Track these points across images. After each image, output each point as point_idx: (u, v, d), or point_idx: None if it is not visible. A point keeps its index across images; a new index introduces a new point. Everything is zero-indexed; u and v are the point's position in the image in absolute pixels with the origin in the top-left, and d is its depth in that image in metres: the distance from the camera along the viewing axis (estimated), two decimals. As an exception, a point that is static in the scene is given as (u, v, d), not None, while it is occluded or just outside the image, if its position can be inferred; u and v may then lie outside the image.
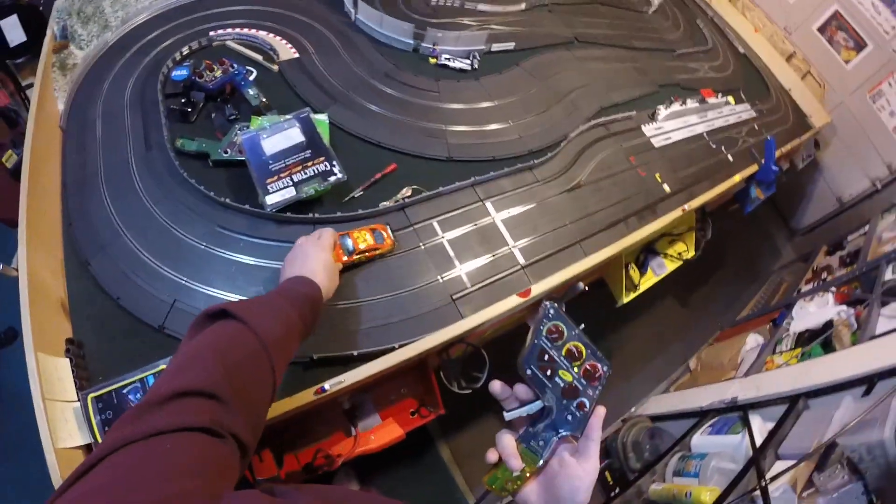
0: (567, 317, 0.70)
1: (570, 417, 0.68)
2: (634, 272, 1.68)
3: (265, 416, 0.69)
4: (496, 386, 0.72)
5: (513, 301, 1.25)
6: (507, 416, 0.70)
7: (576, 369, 0.69)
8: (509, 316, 1.33)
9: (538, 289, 1.28)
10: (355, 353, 1.14)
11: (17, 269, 1.19)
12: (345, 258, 1.21)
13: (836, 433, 1.38)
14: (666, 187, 1.68)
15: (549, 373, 0.69)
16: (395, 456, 2.11)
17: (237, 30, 1.71)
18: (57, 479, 0.89)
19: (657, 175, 1.70)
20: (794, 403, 1.67)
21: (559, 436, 0.68)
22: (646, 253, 1.74)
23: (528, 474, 0.68)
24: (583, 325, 0.70)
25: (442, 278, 1.30)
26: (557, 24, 2.08)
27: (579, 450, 0.69)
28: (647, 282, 1.72)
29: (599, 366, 0.69)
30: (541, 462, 0.68)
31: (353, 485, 2.04)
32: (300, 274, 0.96)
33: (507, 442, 0.68)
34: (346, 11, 1.83)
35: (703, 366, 2.60)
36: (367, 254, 1.24)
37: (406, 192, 1.39)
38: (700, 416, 1.97)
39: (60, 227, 1.33)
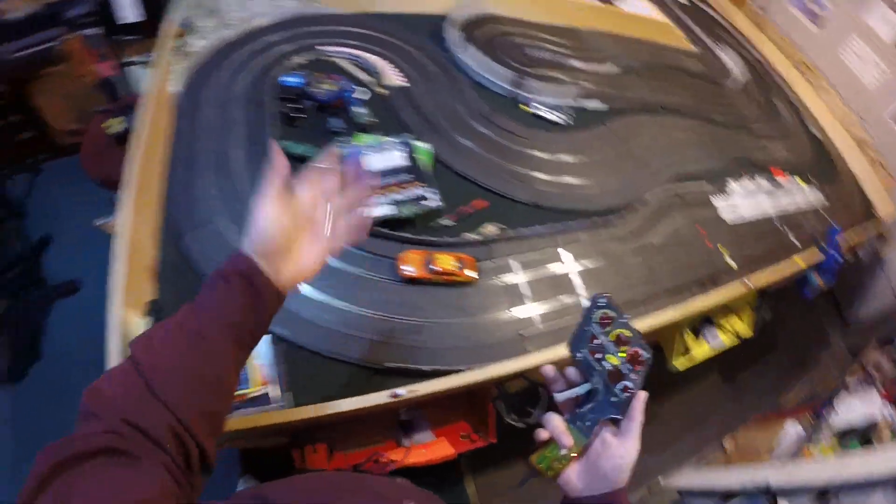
0: (617, 306, 0.74)
1: (614, 400, 0.70)
2: (690, 339, 1.72)
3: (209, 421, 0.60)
4: (548, 369, 0.75)
5: (560, 351, 1.30)
6: (558, 397, 0.73)
7: (622, 354, 0.71)
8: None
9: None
10: (427, 368, 1.20)
11: (112, 227, 1.30)
12: (425, 273, 1.30)
13: None
14: (730, 261, 1.72)
15: (597, 356, 0.72)
16: (420, 482, 2.15)
17: (348, 49, 1.82)
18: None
19: (723, 249, 1.75)
20: (824, 496, 1.68)
21: (604, 417, 0.70)
22: (703, 323, 1.78)
23: (573, 455, 0.70)
24: (628, 316, 0.74)
25: (512, 314, 1.35)
26: (644, 90, 2.16)
27: (621, 430, 0.71)
28: (701, 351, 1.75)
29: (643, 352, 0.72)
30: (586, 442, 0.70)
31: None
32: (240, 251, 0.70)
33: (558, 421, 0.71)
34: (451, 50, 1.93)
35: (737, 447, 2.59)
36: (445, 276, 1.31)
37: (492, 228, 1.46)
38: (728, 497, 1.98)
39: (160, 198, 1.43)
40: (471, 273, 1.34)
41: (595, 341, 0.72)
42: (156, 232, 1.35)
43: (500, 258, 1.43)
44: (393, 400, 1.11)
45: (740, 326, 1.81)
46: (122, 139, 1.92)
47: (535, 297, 1.40)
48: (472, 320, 1.32)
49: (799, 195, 2.16)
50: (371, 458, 1.25)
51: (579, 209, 1.61)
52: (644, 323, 1.44)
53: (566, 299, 1.42)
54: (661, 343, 1.78)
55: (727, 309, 1.81)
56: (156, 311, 1.17)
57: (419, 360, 1.22)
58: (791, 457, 2.08)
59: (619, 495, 0.70)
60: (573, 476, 0.72)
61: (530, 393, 1.39)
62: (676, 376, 2.75)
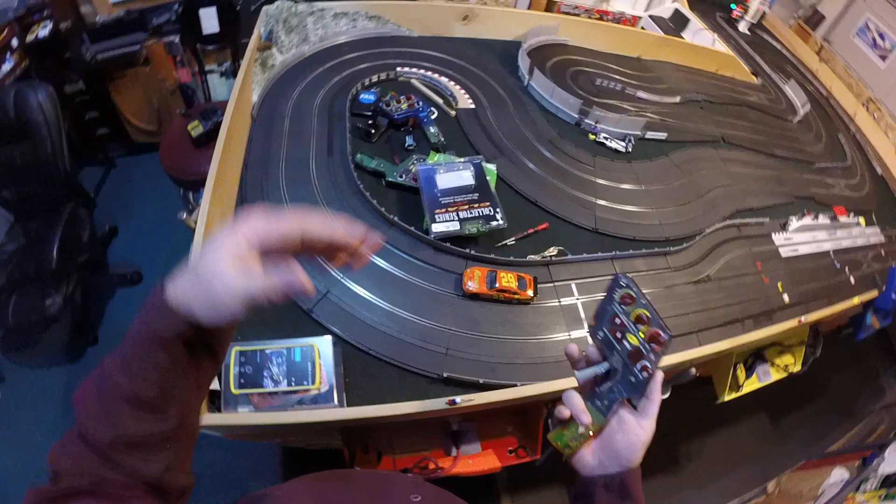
0: (637, 286, 0.73)
1: (633, 379, 0.70)
2: (741, 373, 1.72)
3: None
4: (572, 348, 0.76)
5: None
6: (579, 375, 0.73)
7: (642, 334, 0.70)
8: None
9: (675, 359, 1.36)
10: (481, 381, 1.25)
11: (195, 223, 1.35)
12: (487, 289, 1.36)
13: None
14: (786, 297, 1.72)
15: (618, 335, 0.72)
16: (458, 495, 2.19)
17: (423, 71, 1.90)
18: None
19: (779, 284, 1.75)
20: None
21: (623, 397, 0.71)
22: (754, 357, 1.78)
23: (591, 433, 0.71)
24: (651, 302, 0.72)
25: (570, 335, 1.39)
26: (707, 122, 2.17)
27: (639, 410, 0.71)
28: (751, 385, 1.75)
29: (662, 333, 0.70)
30: (604, 421, 0.71)
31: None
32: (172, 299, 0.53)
33: (577, 399, 0.71)
34: (521, 76, 2.00)
35: (780, 491, 2.54)
36: (506, 294, 1.37)
37: (552, 251, 1.50)
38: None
39: (235, 199, 1.52)
40: (530, 292, 1.38)
41: (616, 321, 0.72)
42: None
43: (562, 281, 1.47)
44: (449, 407, 1.15)
45: (790, 362, 1.80)
46: (201, 141, 2.06)
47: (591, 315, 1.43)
48: (530, 338, 1.36)
49: (860, 235, 2.14)
50: (418, 463, 1.30)
51: (640, 238, 1.65)
52: (697, 351, 1.45)
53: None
54: (712, 376, 1.79)
55: (779, 346, 1.81)
56: None
57: (476, 372, 1.27)
58: (835, 502, 2.04)
59: (631, 474, 0.71)
60: (587, 454, 0.73)
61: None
62: (724, 414, 2.73)
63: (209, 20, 2.62)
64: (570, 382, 1.29)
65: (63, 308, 2.05)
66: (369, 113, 1.72)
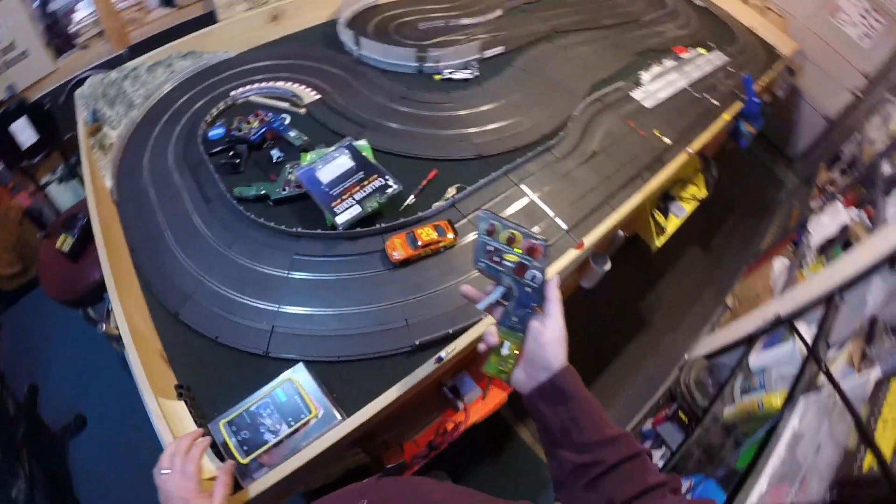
0: (498, 216, 0.79)
1: (529, 290, 0.77)
2: (660, 217, 1.86)
3: None
4: (465, 289, 0.82)
5: (571, 255, 1.42)
6: (480, 306, 0.79)
7: (517, 250, 0.77)
8: (570, 274, 1.49)
9: (589, 240, 1.45)
10: (451, 330, 1.29)
11: (117, 328, 1.29)
12: (412, 251, 1.39)
13: (875, 309, 1.56)
14: (666, 140, 1.87)
15: (497, 259, 0.78)
16: (478, 454, 2.26)
17: (257, 85, 1.87)
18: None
19: (655, 131, 1.89)
20: (829, 300, 1.85)
21: (527, 307, 0.77)
22: (665, 200, 1.92)
23: (515, 352, 0.77)
24: (517, 223, 0.79)
25: (502, 258, 1.45)
26: (534, 22, 2.28)
27: (545, 313, 0.77)
28: (673, 224, 1.89)
29: (534, 242, 0.77)
30: (522, 335, 0.77)
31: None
32: None
33: (488, 328, 0.78)
34: (350, 51, 2.00)
35: (740, 301, 2.76)
36: (431, 246, 1.41)
37: (452, 191, 1.55)
38: (750, 341, 2.14)
39: (139, 287, 1.45)
40: (450, 235, 1.43)
41: (488, 248, 0.78)
42: (148, 320, 1.38)
43: (470, 213, 1.53)
44: (438, 365, 1.19)
45: (696, 190, 1.96)
46: (76, 253, 1.95)
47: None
48: (470, 274, 1.41)
49: (705, 63, 2.33)
50: (438, 431, 1.33)
51: (521, 146, 1.72)
52: (614, 216, 1.56)
53: (542, 223, 1.54)
54: (638, 232, 1.92)
55: (680, 181, 1.97)
56: (185, 391, 1.20)
57: (441, 326, 1.30)
58: (789, 286, 2.26)
59: (561, 375, 0.74)
60: (519, 373, 0.77)
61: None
62: (665, 263, 2.93)
63: (24, 132, 2.44)
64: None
65: (31, 490, 1.96)
66: (225, 146, 1.68)
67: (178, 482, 0.93)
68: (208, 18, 2.34)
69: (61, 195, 2.74)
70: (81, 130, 1.81)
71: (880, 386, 1.38)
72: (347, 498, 0.71)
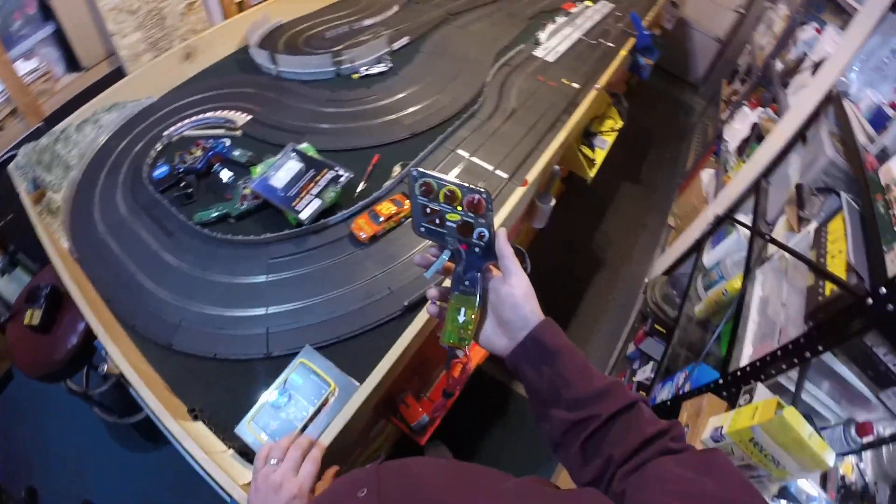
0: (431, 172, 0.72)
1: (478, 250, 0.72)
2: (587, 151, 2.05)
3: None
4: (416, 258, 0.79)
5: (519, 193, 1.57)
6: (427, 274, 0.75)
7: (459, 208, 0.71)
8: (522, 213, 1.64)
9: (531, 177, 1.61)
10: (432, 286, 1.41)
11: (116, 367, 1.32)
12: (377, 226, 1.50)
13: (798, 178, 1.78)
14: (575, 85, 2.07)
15: (438, 221, 0.72)
16: (478, 418, 2.37)
17: (188, 120, 1.93)
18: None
19: (564, 80, 2.09)
20: (757, 186, 2.08)
21: (478, 268, 0.73)
22: (588, 138, 2.12)
23: (472, 316, 0.72)
24: (443, 176, 0.73)
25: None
26: (430, 10, 2.45)
27: (502, 272, 0.73)
28: (599, 155, 2.09)
29: (476, 196, 0.71)
30: (477, 299, 0.72)
31: (444, 454, 2.26)
32: None
33: (430, 292, 0.78)
34: (267, 70, 2.10)
35: (680, 217, 3.00)
36: (393, 218, 1.53)
37: (397, 169, 1.68)
38: (699, 246, 2.36)
39: (124, 333, 1.48)
40: (408, 204, 1.55)
41: (427, 210, 0.73)
42: (143, 361, 1.41)
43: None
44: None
45: (612, 123, 2.17)
46: (47, 324, 1.95)
47: (464, 191, 1.65)
48: (433, 237, 1.54)
49: (594, 13, 2.56)
50: (448, 381, 1.43)
51: (447, 117, 1.88)
52: (543, 160, 1.72)
53: (484, 178, 1.69)
54: (572, 170, 2.10)
55: (597, 118, 2.17)
56: (200, 412, 1.24)
57: (423, 284, 1.42)
58: (719, 190, 2.49)
59: (539, 330, 0.71)
60: (492, 338, 0.75)
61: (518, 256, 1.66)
62: (602, 202, 3.15)
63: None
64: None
65: None
66: (174, 180, 1.74)
67: (287, 475, 0.90)
68: (117, 75, 2.38)
69: (6, 286, 2.68)
70: (26, 200, 1.82)
71: (820, 232, 1.56)
72: (349, 488, 0.67)
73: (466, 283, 0.73)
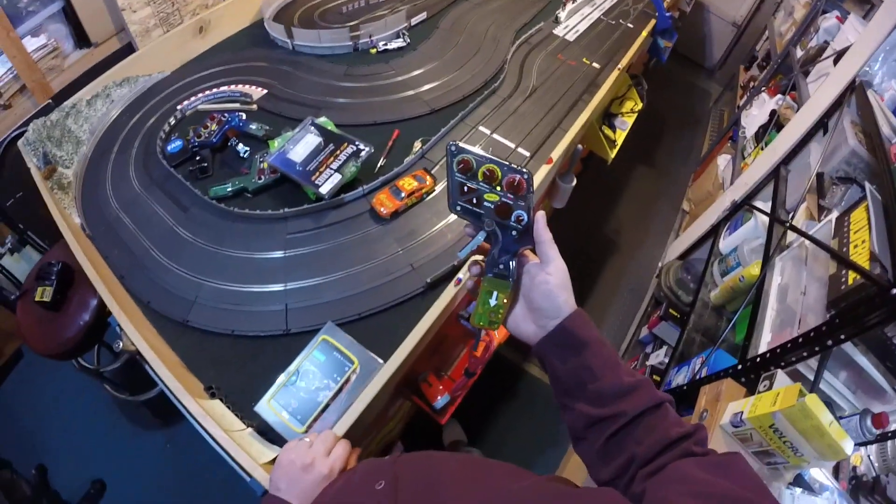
0: (470, 147, 0.70)
1: (515, 233, 0.70)
2: (608, 131, 2.01)
3: None
4: (469, 230, 0.74)
5: (543, 171, 1.54)
6: (461, 254, 0.76)
7: (498, 188, 0.69)
8: (543, 193, 1.61)
9: (555, 154, 1.58)
10: (455, 262, 1.38)
11: (133, 344, 1.30)
12: (398, 202, 1.47)
13: (819, 167, 1.76)
14: (596, 65, 2.03)
15: (475, 201, 0.69)
16: (494, 402, 2.36)
17: (202, 94, 1.89)
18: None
19: (584, 59, 2.05)
20: (776, 173, 2.05)
21: (514, 252, 0.71)
22: (608, 118, 2.08)
23: (504, 300, 0.71)
24: (491, 149, 0.77)
25: (480, 191, 1.56)
26: (449, -15, 2.40)
27: (539, 257, 0.71)
28: (620, 136, 2.06)
29: (517, 176, 0.68)
30: (510, 282, 0.71)
31: (458, 433, 2.25)
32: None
33: (473, 269, 0.75)
34: (282, 44, 2.06)
35: (694, 203, 2.98)
36: (415, 194, 1.50)
37: (418, 144, 1.65)
38: (715, 231, 2.34)
39: (138, 309, 1.46)
40: (428, 180, 1.52)
41: (465, 189, 0.69)
42: (158, 338, 1.39)
43: (440, 159, 1.63)
44: (459, 288, 1.27)
45: (632, 104, 2.13)
46: (58, 301, 1.92)
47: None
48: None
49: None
50: (471, 360, 1.41)
51: (467, 94, 1.84)
52: (566, 140, 1.69)
53: (506, 154, 1.66)
54: (593, 150, 2.07)
55: (618, 99, 2.13)
56: (217, 390, 1.22)
57: (444, 262, 1.39)
58: (736, 176, 2.46)
59: (571, 321, 0.69)
60: (521, 324, 0.73)
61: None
62: (620, 183, 3.12)
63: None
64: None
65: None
66: (189, 155, 1.71)
67: (319, 455, 0.89)
68: (127, 51, 2.32)
69: (16, 266, 2.66)
70: (36, 176, 1.79)
71: (842, 221, 1.56)
72: (366, 478, 0.67)
73: (501, 266, 0.70)
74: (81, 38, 2.38)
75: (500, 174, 0.68)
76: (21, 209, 2.36)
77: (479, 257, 0.74)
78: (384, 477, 0.64)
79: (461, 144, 0.69)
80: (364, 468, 0.74)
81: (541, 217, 0.70)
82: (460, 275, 1.32)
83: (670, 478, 0.57)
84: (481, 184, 0.69)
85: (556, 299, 0.69)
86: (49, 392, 2.55)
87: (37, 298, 1.91)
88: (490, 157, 0.69)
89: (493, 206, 0.69)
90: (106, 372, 2.20)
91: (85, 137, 1.90)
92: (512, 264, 0.70)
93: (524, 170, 0.68)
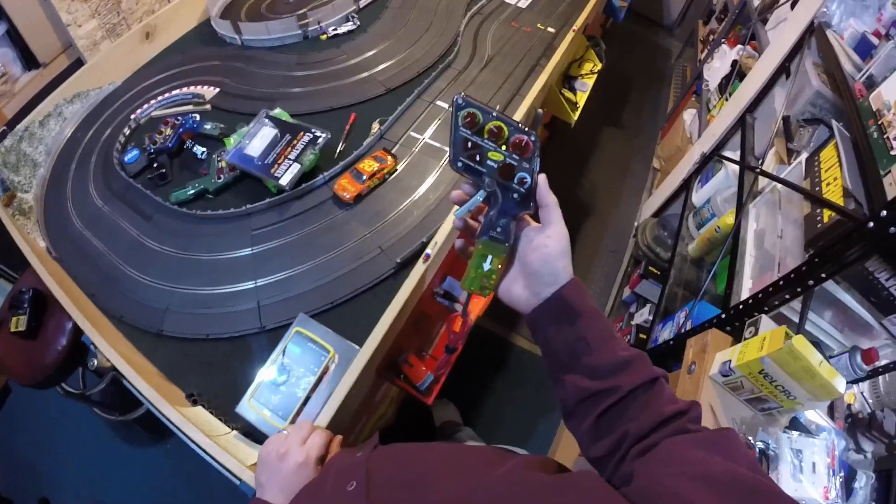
0: (478, 102, 0.67)
1: (516, 196, 0.67)
2: (569, 94, 1.99)
3: None
4: (454, 194, 0.72)
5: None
6: (458, 214, 0.70)
7: (503, 147, 0.66)
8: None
9: (517, 116, 1.54)
10: (424, 239, 1.36)
11: (108, 360, 1.26)
12: (360, 185, 1.44)
13: (784, 111, 1.75)
14: (550, 29, 2.00)
15: (478, 158, 0.66)
16: (483, 376, 2.35)
17: (154, 101, 1.86)
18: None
19: (539, 25, 2.01)
20: (742, 121, 2.05)
21: (513, 215, 0.68)
22: (568, 81, 2.05)
23: (499, 265, 0.68)
24: (498, 107, 0.71)
25: (444, 163, 1.54)
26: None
27: (541, 220, 0.68)
28: (581, 98, 2.03)
29: (524, 137, 0.66)
30: (506, 246, 0.68)
31: (452, 414, 2.24)
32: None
33: (457, 223, 0.72)
34: (231, 41, 2.02)
35: (665, 159, 2.97)
36: (377, 175, 1.47)
37: (376, 125, 1.62)
38: (686, 185, 2.33)
39: (111, 326, 1.43)
40: (389, 160, 1.50)
41: (468, 144, 0.66)
42: (134, 351, 1.37)
43: (402, 137, 1.61)
44: (427, 265, 1.24)
45: (591, 65, 2.11)
46: (34, 329, 1.89)
47: (447, 141, 1.58)
48: (422, 189, 1.49)
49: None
50: (450, 337, 1.38)
51: (422, 70, 1.81)
52: (525, 104, 1.66)
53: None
54: (555, 114, 2.04)
55: (576, 62, 2.10)
56: (198, 397, 1.21)
57: (414, 239, 1.37)
58: (703, 128, 2.45)
59: (567, 289, 0.66)
60: (514, 290, 0.70)
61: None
62: (587, 147, 3.10)
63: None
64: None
65: None
66: (147, 163, 1.67)
67: (293, 444, 0.86)
68: (77, 66, 2.28)
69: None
70: (-6, 205, 1.75)
71: (812, 161, 1.56)
72: (338, 479, 0.66)
73: (498, 229, 0.67)
74: (29, 60, 2.34)
75: (506, 133, 0.66)
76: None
77: (459, 223, 0.72)
78: (356, 477, 0.63)
79: (469, 98, 0.66)
80: (337, 467, 0.72)
81: (543, 180, 0.68)
82: (436, 241, 1.28)
83: (663, 458, 0.55)
84: (486, 141, 0.66)
85: (555, 265, 0.66)
86: (42, 422, 2.52)
87: (12, 329, 1.88)
88: (499, 114, 0.66)
89: (496, 166, 0.67)
90: (93, 395, 2.17)
91: (41, 159, 1.86)
92: (512, 227, 0.68)
93: (532, 131, 0.66)
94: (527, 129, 0.66)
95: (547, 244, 0.66)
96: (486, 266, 0.68)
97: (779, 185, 1.67)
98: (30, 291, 1.87)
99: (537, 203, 0.68)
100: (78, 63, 2.31)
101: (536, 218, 0.70)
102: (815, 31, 1.82)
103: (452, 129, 0.67)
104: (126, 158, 1.71)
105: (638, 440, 0.59)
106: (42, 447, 2.49)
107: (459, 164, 0.67)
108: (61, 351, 1.88)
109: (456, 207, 0.71)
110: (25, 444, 2.51)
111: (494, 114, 0.66)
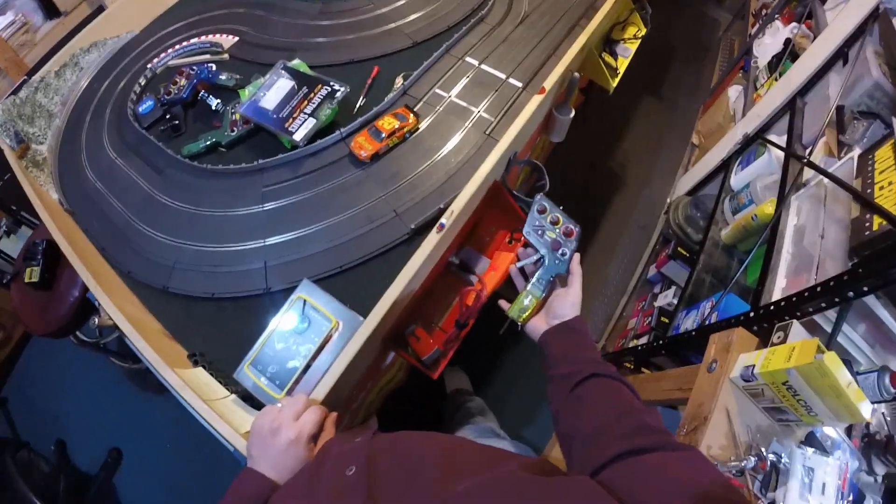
0: (552, 201, 1.03)
1: (557, 262, 0.98)
2: (609, 59, 1.84)
3: None
4: (513, 269, 1.07)
5: (535, 101, 1.37)
6: (518, 265, 1.04)
7: (558, 229, 1.00)
8: (539, 125, 1.46)
9: (548, 84, 1.42)
10: (442, 205, 1.26)
11: (110, 318, 1.22)
12: (378, 143, 1.35)
13: (839, 100, 1.59)
14: (594, -14, 1.84)
15: (540, 233, 1.00)
16: (491, 352, 2.27)
17: (171, 49, 1.78)
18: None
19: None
20: (792, 104, 1.88)
21: (552, 275, 0.98)
22: (609, 45, 1.90)
23: (535, 307, 0.98)
24: (561, 207, 1.02)
25: (469, 125, 1.43)
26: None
27: (567, 283, 0.98)
28: (622, 64, 1.87)
29: (572, 226, 1.00)
30: (542, 295, 0.98)
31: (463, 381, 2.17)
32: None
33: (518, 278, 1.05)
34: (255, -13, 1.92)
35: (704, 136, 2.79)
36: (397, 134, 1.37)
37: (399, 80, 1.51)
38: (726, 166, 2.17)
39: (120, 280, 1.40)
40: (411, 118, 1.39)
41: (537, 223, 1.00)
42: (140, 306, 1.33)
43: (426, 94, 1.49)
44: (441, 235, 1.14)
45: (634, 29, 1.95)
46: (47, 281, 1.87)
47: (475, 100, 1.47)
48: (444, 150, 1.38)
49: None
50: (462, 310, 1.30)
51: (453, 23, 1.68)
52: (564, 61, 1.52)
53: (496, 85, 1.52)
54: (593, 79, 1.90)
55: (619, 25, 1.95)
56: (199, 357, 1.15)
57: (431, 205, 1.28)
58: (748, 108, 2.28)
59: (573, 320, 0.93)
60: (539, 323, 0.97)
61: (534, 172, 1.49)
62: (624, 116, 2.94)
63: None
64: (501, 146, 1.29)
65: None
66: (160, 114, 1.61)
67: (286, 420, 0.85)
68: (98, 14, 2.22)
69: (14, 247, 2.63)
70: (10, 156, 1.71)
71: (865, 159, 1.41)
72: (337, 463, 0.68)
73: (542, 282, 0.97)
74: (50, 9, 2.29)
75: (561, 222, 1.01)
76: (11, 191, 2.31)
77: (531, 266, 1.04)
78: (355, 462, 0.65)
79: (546, 197, 1.04)
80: (335, 451, 0.73)
81: (576, 257, 0.99)
82: (453, 209, 1.18)
83: (646, 474, 0.60)
84: (547, 224, 1.01)
85: (572, 309, 0.95)
86: (58, 370, 2.55)
87: (26, 280, 1.86)
88: (560, 210, 1.02)
89: (550, 241, 0.99)
90: (108, 343, 2.17)
91: (56, 110, 1.81)
92: (549, 285, 0.98)
93: (578, 225, 1.01)
94: (574, 222, 1.01)
95: (569, 296, 0.96)
96: (526, 302, 0.98)
97: (825, 180, 1.51)
98: (43, 243, 1.85)
99: (569, 270, 0.98)
100: (99, 11, 2.23)
101: (564, 281, 0.99)
102: (879, 18, 1.64)
103: (529, 213, 1.02)
104: (141, 109, 1.65)
105: (603, 432, 0.70)
106: (58, 394, 2.52)
107: (527, 232, 1.00)
108: (73, 302, 1.86)
109: (516, 260, 1.06)
110: (42, 392, 2.55)
111: (558, 210, 1.02)
